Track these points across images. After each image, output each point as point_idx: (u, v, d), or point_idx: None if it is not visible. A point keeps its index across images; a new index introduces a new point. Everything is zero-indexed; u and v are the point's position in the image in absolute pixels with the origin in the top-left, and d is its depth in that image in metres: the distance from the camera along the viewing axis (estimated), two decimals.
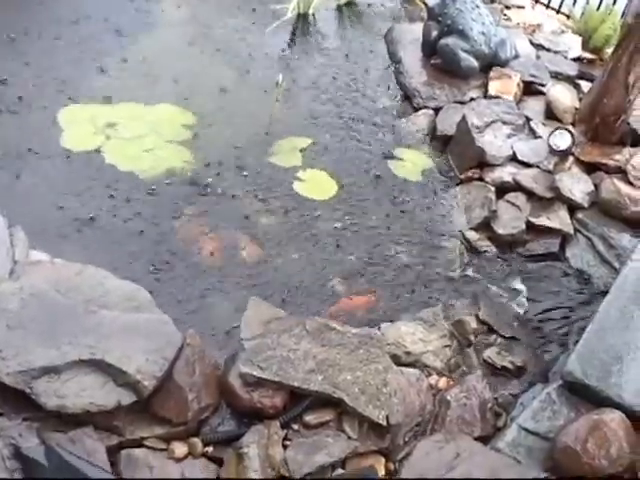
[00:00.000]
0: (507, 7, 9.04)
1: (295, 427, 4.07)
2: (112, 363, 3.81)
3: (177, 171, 5.99)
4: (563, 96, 7.11)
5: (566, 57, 8.08)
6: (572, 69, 7.83)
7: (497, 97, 7.19)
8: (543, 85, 7.45)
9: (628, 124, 6.68)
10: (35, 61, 6.74)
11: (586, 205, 6.12)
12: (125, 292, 4.28)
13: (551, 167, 6.34)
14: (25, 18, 7.20)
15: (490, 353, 5.00)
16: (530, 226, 6.02)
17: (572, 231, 6.03)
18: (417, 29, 8.06)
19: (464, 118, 6.68)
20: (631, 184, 6.13)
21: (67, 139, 6.03)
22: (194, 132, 6.40)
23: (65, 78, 6.63)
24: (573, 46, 8.21)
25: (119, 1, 7.89)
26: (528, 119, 6.96)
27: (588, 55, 8.10)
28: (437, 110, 7.20)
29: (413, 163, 6.69)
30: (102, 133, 6.14)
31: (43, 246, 4.75)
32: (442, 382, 4.71)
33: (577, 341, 4.62)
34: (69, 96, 6.44)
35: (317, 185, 6.24)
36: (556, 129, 6.49)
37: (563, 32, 8.57)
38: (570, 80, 7.60)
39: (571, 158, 6.43)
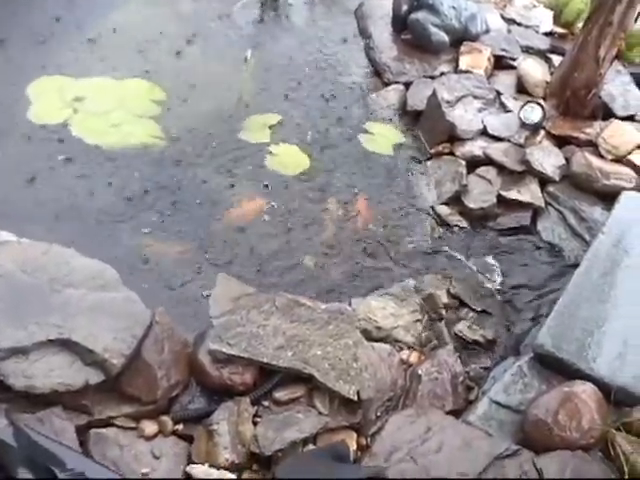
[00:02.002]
0: None
1: (265, 403, 4.04)
2: (79, 342, 3.77)
3: (145, 146, 5.95)
4: (534, 70, 7.11)
5: (537, 31, 8.08)
6: (543, 43, 7.82)
7: (468, 72, 7.16)
8: (514, 59, 7.44)
9: (599, 97, 6.70)
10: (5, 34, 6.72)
11: (557, 178, 6.13)
12: (92, 271, 4.22)
13: (522, 141, 6.33)
14: None
15: (461, 327, 5.02)
16: (501, 200, 6.02)
17: (543, 204, 6.04)
18: (387, 4, 7.99)
19: (434, 93, 6.66)
20: (602, 157, 6.16)
21: (35, 112, 6.00)
22: (163, 107, 6.37)
23: (34, 52, 6.58)
24: (544, 20, 8.20)
25: None
26: (499, 93, 6.95)
27: (559, 29, 8.09)
28: (408, 85, 7.17)
29: (384, 137, 6.66)
30: (70, 106, 6.11)
31: (9, 226, 4.69)
32: (413, 357, 4.70)
33: (548, 314, 4.62)
34: (38, 70, 6.39)
35: (288, 159, 6.22)
36: (527, 103, 6.49)
37: (535, 7, 8.53)
38: (541, 54, 7.60)
39: (542, 132, 6.43)
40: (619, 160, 6.15)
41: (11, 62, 6.41)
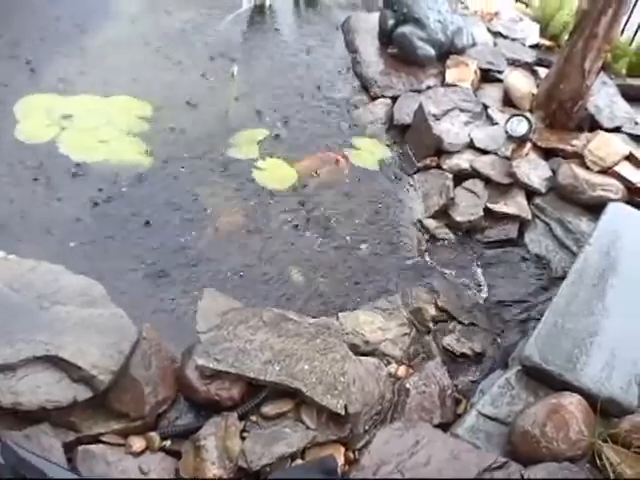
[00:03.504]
0: None
1: (253, 418, 4.03)
2: (67, 359, 3.76)
3: (133, 162, 5.95)
4: (520, 83, 7.15)
5: (524, 44, 8.15)
6: (529, 56, 7.87)
7: (454, 85, 7.21)
8: (500, 72, 7.50)
9: (585, 109, 6.73)
10: None
11: (544, 190, 6.15)
12: (79, 287, 4.22)
13: (508, 153, 6.35)
14: None
15: (449, 340, 5.01)
16: (488, 212, 6.04)
17: (530, 217, 6.05)
18: (373, 18, 8.07)
19: (421, 106, 6.69)
20: (588, 169, 6.17)
21: (22, 130, 6.00)
22: (150, 124, 6.36)
23: (20, 70, 6.59)
24: (531, 33, 8.26)
25: None
26: (485, 106, 7.00)
27: (546, 42, 8.15)
28: (394, 99, 7.21)
29: (370, 152, 6.69)
30: (57, 124, 6.11)
31: None
32: (401, 370, 4.70)
33: (536, 326, 4.63)
34: (24, 88, 6.40)
35: (277, 174, 6.24)
36: (513, 115, 6.51)
37: (521, 19, 8.60)
38: (528, 67, 7.64)
39: (528, 144, 6.45)
40: (605, 171, 6.16)
41: None
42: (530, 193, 6.18)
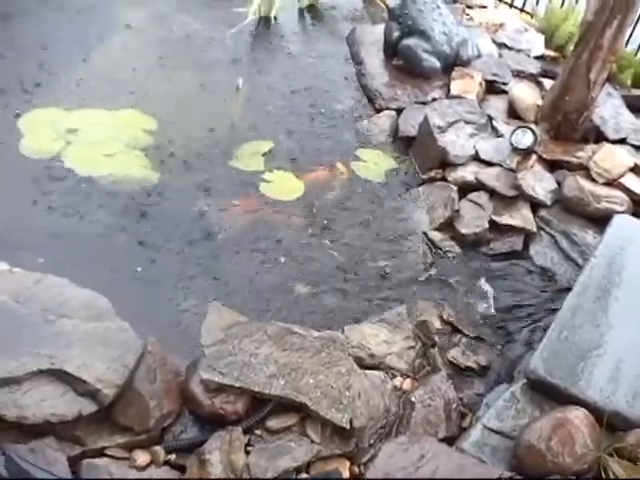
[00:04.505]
0: (469, 7, 9.05)
1: (258, 432, 4.04)
2: (71, 372, 3.77)
3: (138, 177, 5.95)
4: (525, 94, 7.14)
5: (529, 55, 8.11)
6: (535, 67, 7.84)
7: (459, 97, 7.19)
8: (505, 84, 7.47)
9: (590, 121, 6.72)
10: None
11: (549, 203, 6.13)
12: (85, 300, 4.23)
13: (514, 165, 6.34)
14: None
15: (455, 353, 5.00)
16: (493, 225, 6.01)
17: (535, 229, 6.03)
18: (379, 30, 8.07)
19: (426, 118, 6.68)
20: (594, 181, 6.16)
21: (26, 145, 5.99)
22: (155, 137, 6.37)
23: (26, 85, 6.60)
24: (536, 44, 8.24)
25: (81, 7, 7.83)
26: (491, 118, 6.97)
27: (551, 53, 8.13)
28: (399, 111, 7.20)
29: (376, 164, 6.68)
30: (62, 138, 6.12)
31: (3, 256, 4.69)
32: (407, 384, 4.69)
33: (541, 339, 4.62)
34: (28, 103, 6.41)
35: (283, 186, 6.26)
36: (518, 127, 6.51)
37: (526, 30, 8.57)
38: (533, 78, 7.62)
39: (534, 156, 6.43)
40: (611, 183, 6.15)
41: (0, 96, 6.42)
42: (535, 205, 6.16)
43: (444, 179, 6.42)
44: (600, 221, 5.85)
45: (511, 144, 6.45)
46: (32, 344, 3.86)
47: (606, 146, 6.48)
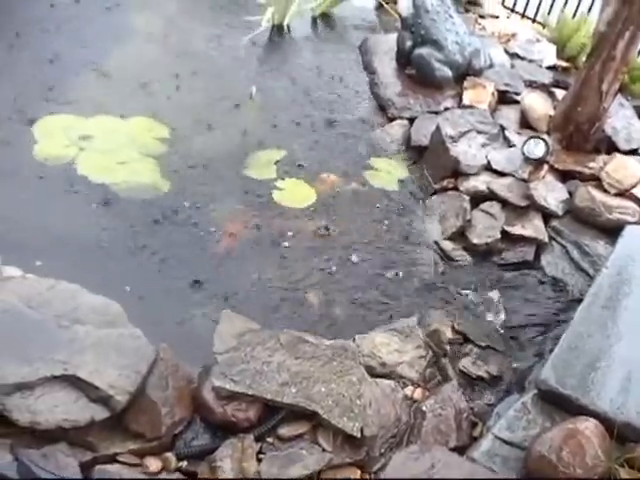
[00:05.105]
0: (481, 17, 9.09)
1: (269, 440, 4.05)
2: (84, 378, 3.78)
3: (151, 184, 5.97)
4: (537, 104, 7.14)
5: (541, 65, 8.13)
6: (547, 77, 7.86)
7: (471, 107, 7.21)
8: (518, 94, 7.48)
9: (602, 131, 6.71)
10: (8, 74, 6.74)
11: (560, 213, 6.14)
12: (97, 306, 4.25)
13: (525, 176, 6.34)
14: None
15: (466, 363, 4.99)
16: (505, 235, 6.02)
17: (547, 239, 6.03)
18: (391, 40, 8.09)
19: (438, 128, 6.69)
20: (605, 191, 6.16)
21: (40, 150, 6.02)
22: (168, 145, 6.38)
23: (40, 91, 6.62)
24: (548, 54, 8.25)
25: (94, 13, 7.85)
26: (503, 128, 6.97)
27: (563, 63, 8.17)
28: (412, 120, 7.23)
29: (388, 173, 6.71)
30: (76, 145, 6.14)
31: (16, 262, 4.71)
32: (417, 393, 4.70)
33: (552, 349, 4.61)
34: (42, 110, 6.43)
35: (296, 193, 6.28)
36: (530, 137, 6.51)
37: (538, 41, 8.58)
38: (545, 88, 7.61)
39: (545, 166, 6.44)
40: (622, 194, 6.15)
41: (15, 101, 6.44)
42: (547, 215, 6.17)
43: (456, 189, 6.42)
44: (611, 232, 5.85)
45: (523, 154, 6.45)
46: (45, 350, 3.88)
47: (618, 157, 6.47)
